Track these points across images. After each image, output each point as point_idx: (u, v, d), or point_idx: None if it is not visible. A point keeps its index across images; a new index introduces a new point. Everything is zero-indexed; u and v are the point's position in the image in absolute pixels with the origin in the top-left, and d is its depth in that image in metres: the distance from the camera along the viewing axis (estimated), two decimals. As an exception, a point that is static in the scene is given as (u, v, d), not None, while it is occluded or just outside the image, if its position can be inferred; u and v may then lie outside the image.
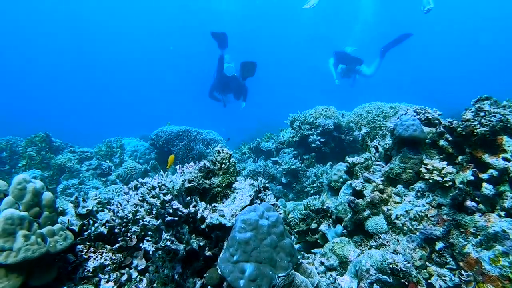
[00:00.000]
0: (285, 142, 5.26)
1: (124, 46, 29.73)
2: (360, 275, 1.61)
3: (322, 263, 1.85)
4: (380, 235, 1.85)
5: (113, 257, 1.62)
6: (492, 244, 1.53)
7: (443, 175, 1.80)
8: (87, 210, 1.79)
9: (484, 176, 1.74)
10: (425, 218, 1.81)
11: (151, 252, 1.50)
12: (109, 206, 1.80)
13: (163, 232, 1.50)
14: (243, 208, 1.60)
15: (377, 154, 2.42)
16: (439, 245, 1.68)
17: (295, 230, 2.26)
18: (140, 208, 1.53)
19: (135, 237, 1.67)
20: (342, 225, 2.12)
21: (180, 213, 1.53)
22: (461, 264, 1.58)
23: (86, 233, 1.68)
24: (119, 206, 1.67)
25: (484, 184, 1.71)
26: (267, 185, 1.93)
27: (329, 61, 8.43)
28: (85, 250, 1.61)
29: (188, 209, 1.56)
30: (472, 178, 1.76)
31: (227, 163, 1.87)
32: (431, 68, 28.15)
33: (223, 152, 1.89)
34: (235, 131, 10.94)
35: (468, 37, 26.74)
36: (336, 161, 4.19)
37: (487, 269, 1.46)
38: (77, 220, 1.76)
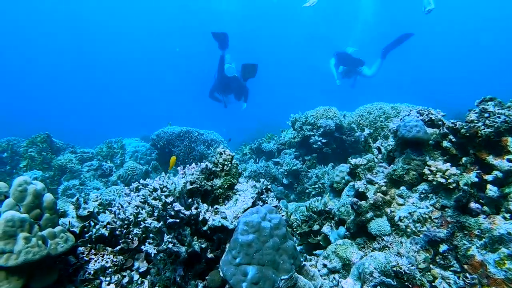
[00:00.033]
0: (286, 143, 5.25)
1: (124, 46, 29.76)
2: (364, 277, 1.59)
3: (325, 266, 1.84)
4: (383, 237, 1.84)
5: (114, 259, 1.61)
6: (497, 246, 1.51)
7: (447, 177, 1.78)
8: (88, 212, 1.78)
9: (488, 177, 1.72)
10: (429, 220, 1.79)
11: (152, 255, 1.49)
12: (110, 208, 1.79)
13: (165, 234, 1.49)
14: (245, 210, 1.59)
15: (379, 156, 2.41)
16: (443, 247, 1.66)
17: (297, 232, 2.25)
18: (142, 210, 1.51)
19: (137, 239, 1.66)
20: (345, 227, 2.11)
21: (182, 215, 1.52)
22: (465, 266, 1.57)
23: (87, 235, 1.67)
24: (120, 208, 1.66)
25: (489, 186, 1.69)
26: (269, 186, 1.92)
27: (330, 61, 8.40)
28: (86, 252, 1.59)
29: (190, 211, 1.55)
30: (476, 179, 1.75)
31: (229, 165, 1.86)
32: (431, 69, 28.11)
33: (225, 154, 1.87)
34: (235, 131, 10.94)
35: (469, 37, 26.70)
36: (337, 162, 4.18)
37: (492, 272, 1.44)
38: (78, 222, 1.75)
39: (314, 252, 2.13)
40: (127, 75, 33.19)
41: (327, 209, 2.23)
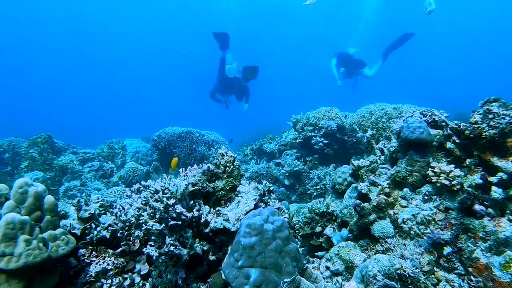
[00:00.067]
0: (287, 144, 5.23)
1: (125, 46, 29.78)
2: (367, 280, 1.58)
3: (327, 268, 1.82)
4: (386, 239, 1.82)
5: (116, 262, 1.60)
6: (502, 249, 1.50)
7: (451, 178, 1.77)
8: (89, 213, 1.77)
9: (493, 179, 1.70)
10: (433, 222, 1.77)
11: (154, 257, 1.48)
12: (111, 210, 1.78)
13: (167, 236, 1.48)
14: (247, 212, 1.57)
15: (382, 157, 2.39)
16: (447, 249, 1.64)
17: (300, 234, 2.23)
18: (143, 212, 1.50)
19: (138, 241, 1.65)
20: (348, 229, 2.09)
21: (183, 217, 1.51)
22: (470, 269, 1.55)
23: (88, 237, 1.66)
24: (121, 209, 1.65)
25: (493, 188, 1.68)
26: (271, 188, 1.91)
27: (331, 62, 8.38)
28: (87, 255, 1.58)
29: (192, 213, 1.54)
30: (480, 181, 1.73)
31: (231, 166, 1.85)
32: (432, 69, 28.07)
33: (227, 155, 1.86)
34: (236, 132, 10.94)
35: (470, 37, 26.64)
36: (339, 163, 4.16)
37: (498, 275, 1.43)
38: (79, 224, 1.74)
39: (316, 253, 2.11)
40: (127, 76, 33.26)
41: (329, 210, 2.22)
